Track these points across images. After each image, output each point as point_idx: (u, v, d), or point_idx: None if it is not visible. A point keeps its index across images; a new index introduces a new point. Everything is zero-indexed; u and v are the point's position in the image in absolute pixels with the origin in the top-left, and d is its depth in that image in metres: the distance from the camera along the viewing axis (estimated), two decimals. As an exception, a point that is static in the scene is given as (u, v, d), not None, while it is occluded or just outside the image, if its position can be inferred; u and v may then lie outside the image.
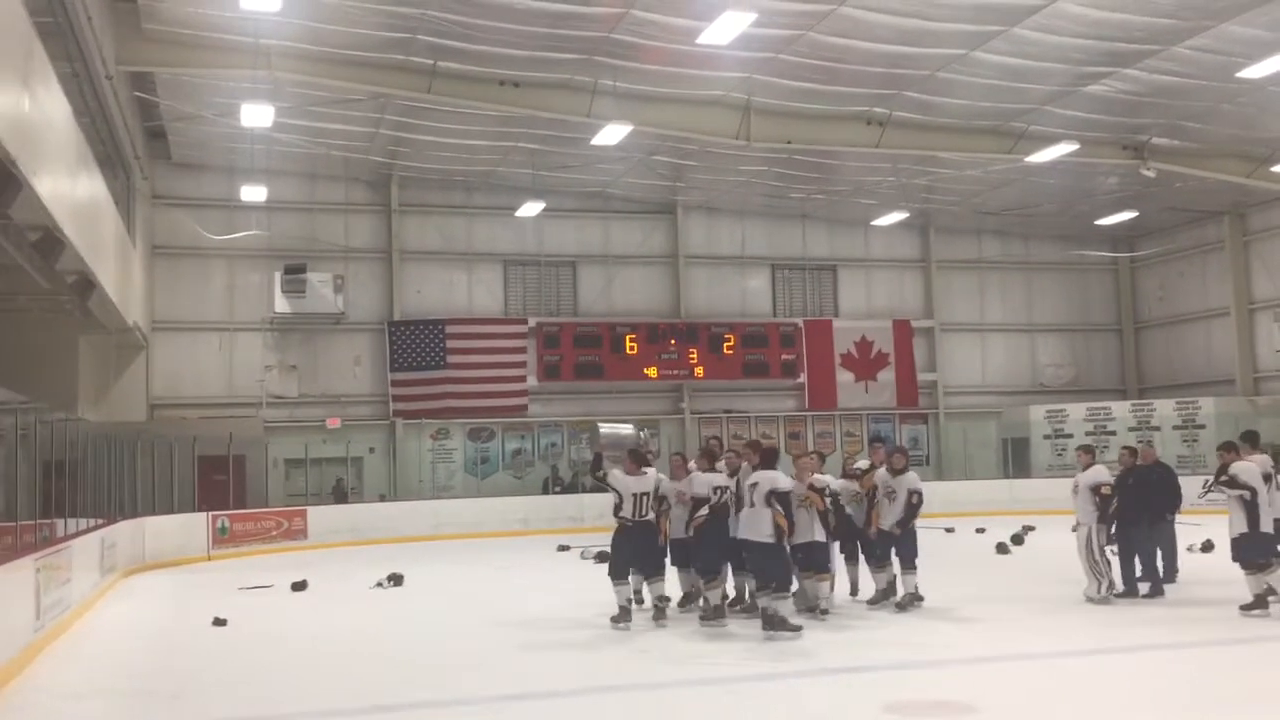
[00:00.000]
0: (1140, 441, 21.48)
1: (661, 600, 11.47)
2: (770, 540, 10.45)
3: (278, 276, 25.57)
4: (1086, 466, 12.29)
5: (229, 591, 15.63)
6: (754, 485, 10.56)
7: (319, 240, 26.60)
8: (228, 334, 26.17)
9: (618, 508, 11.36)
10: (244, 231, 25.38)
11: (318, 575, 16.63)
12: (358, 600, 14.63)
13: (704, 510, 11.07)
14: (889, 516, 11.78)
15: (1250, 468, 11.15)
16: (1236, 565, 11.09)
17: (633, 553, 11.39)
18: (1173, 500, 13.14)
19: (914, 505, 11.77)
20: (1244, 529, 10.95)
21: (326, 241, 26.69)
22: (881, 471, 12.03)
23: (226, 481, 23.09)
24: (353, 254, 27.11)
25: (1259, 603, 10.86)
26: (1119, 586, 12.10)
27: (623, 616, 11.16)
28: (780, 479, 10.64)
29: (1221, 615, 11.06)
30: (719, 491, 11.10)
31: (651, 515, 11.34)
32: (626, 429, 13.39)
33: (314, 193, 26.93)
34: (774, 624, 10.31)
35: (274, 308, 25.76)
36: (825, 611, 11.32)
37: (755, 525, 10.48)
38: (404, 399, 27.04)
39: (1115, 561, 12.20)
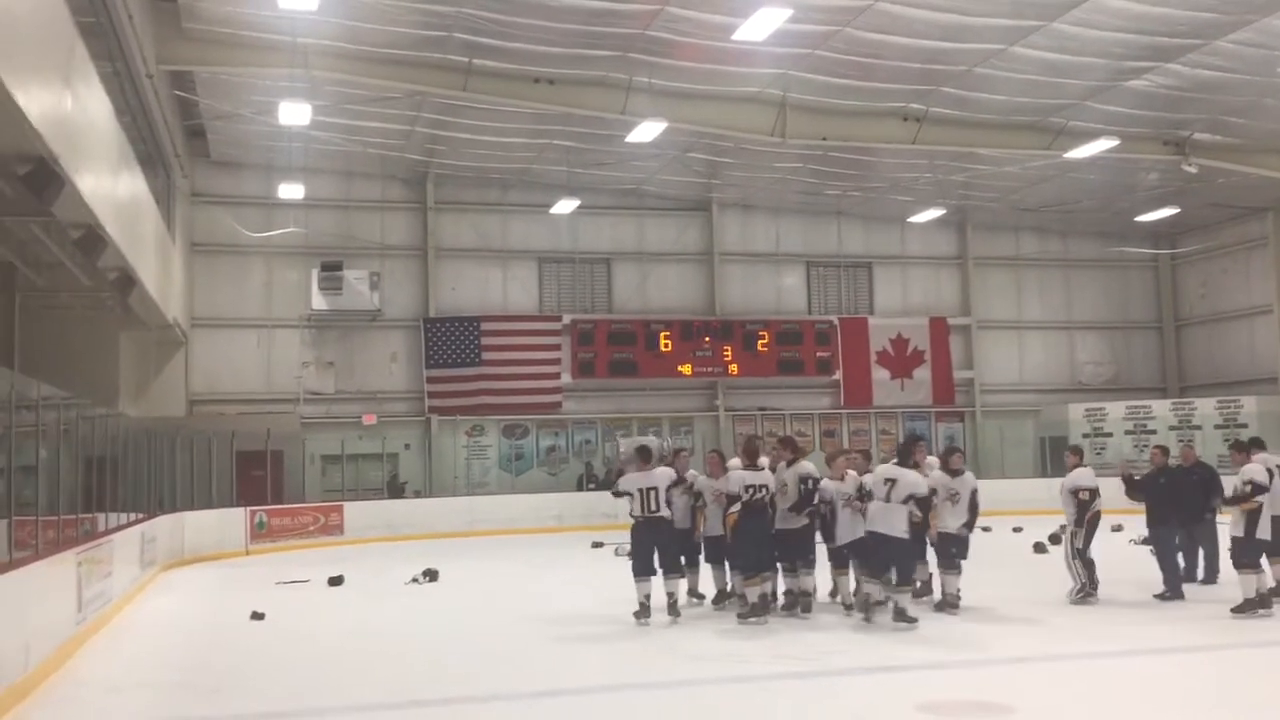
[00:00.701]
0: (1180, 441, 21.26)
1: (672, 597, 11.56)
2: (904, 536, 10.68)
3: (315, 274, 25.76)
4: (1072, 468, 12.21)
5: (266, 586, 15.79)
6: (892, 483, 10.77)
7: (355, 238, 26.77)
8: (266, 331, 26.39)
9: (630, 507, 11.49)
10: (282, 229, 25.58)
11: (354, 571, 16.76)
12: (393, 596, 14.72)
13: (735, 507, 11.07)
14: (951, 519, 11.62)
15: (1257, 468, 11.16)
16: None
17: (646, 548, 11.40)
18: (1209, 500, 12.93)
19: (978, 505, 11.74)
20: (1240, 532, 10.95)
21: (363, 239, 26.86)
22: (938, 473, 11.84)
23: (264, 477, 23.27)
24: (389, 251, 27.27)
25: (1256, 603, 10.77)
26: (1091, 590, 11.94)
27: (642, 612, 11.23)
28: (921, 483, 10.87)
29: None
30: (752, 490, 11.07)
31: (665, 511, 11.35)
32: (648, 441, 13.51)
33: (350, 190, 27.11)
34: (901, 616, 10.56)
35: (311, 305, 25.95)
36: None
37: (889, 520, 10.69)
38: (439, 395, 27.17)
39: (1089, 565, 12.01)
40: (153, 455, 18.02)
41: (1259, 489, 10.93)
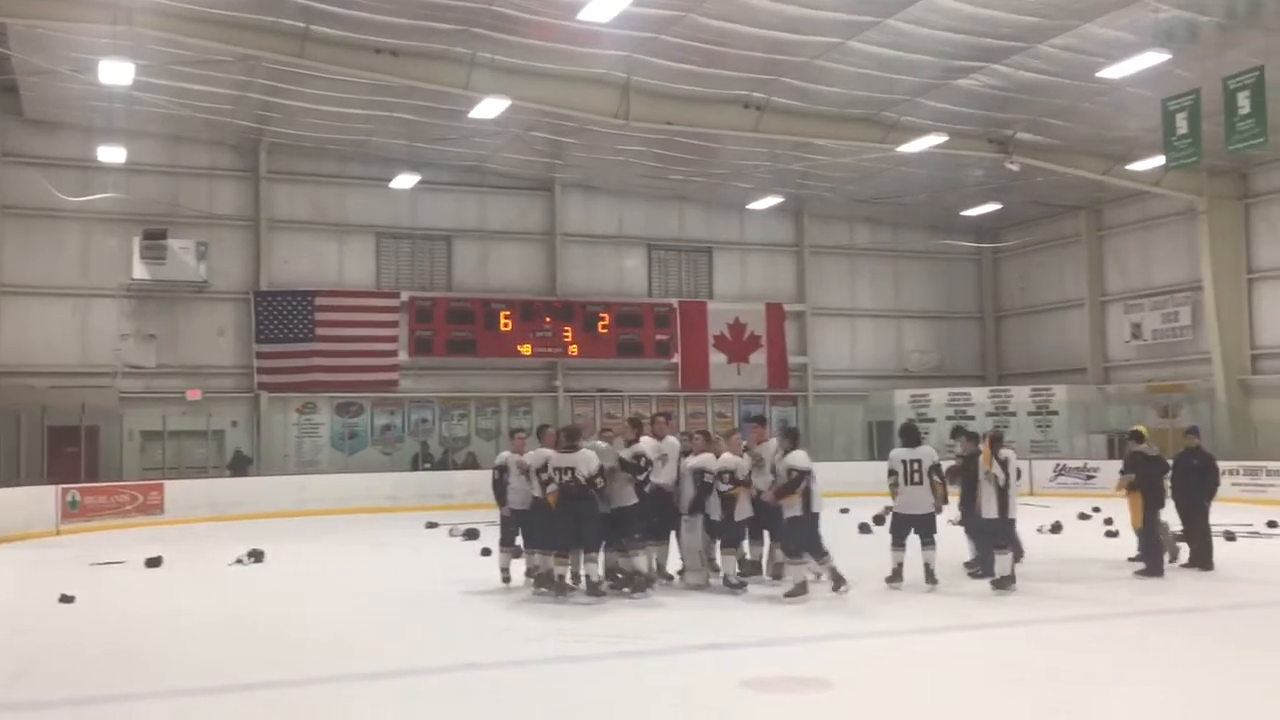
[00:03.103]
0: (999, 426, 22.29)
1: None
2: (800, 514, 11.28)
3: (136, 242, 24.62)
4: (693, 453, 12.59)
5: (79, 568, 15.06)
6: (917, 462, 11.67)
7: (182, 205, 25.66)
8: (82, 300, 25.11)
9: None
10: (101, 194, 24.30)
11: (174, 552, 16.17)
12: (216, 577, 14.22)
13: (551, 488, 11.33)
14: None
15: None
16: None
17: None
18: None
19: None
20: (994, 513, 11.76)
21: (189, 207, 25.77)
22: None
23: (78, 453, 22.20)
24: (217, 221, 26.25)
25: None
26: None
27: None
28: (933, 454, 11.79)
29: (1067, 593, 11.56)
30: (560, 472, 11.28)
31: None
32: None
33: (177, 156, 25.97)
34: (931, 577, 11.61)
35: (132, 274, 24.81)
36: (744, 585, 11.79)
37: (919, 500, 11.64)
38: (269, 371, 26.34)
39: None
40: (-47, 429, 16.95)
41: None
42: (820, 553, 11.51)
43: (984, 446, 12.03)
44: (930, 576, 11.72)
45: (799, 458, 11.39)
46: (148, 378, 25.48)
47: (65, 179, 24.51)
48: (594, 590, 11.35)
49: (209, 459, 25.51)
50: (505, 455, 12.27)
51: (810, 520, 11.36)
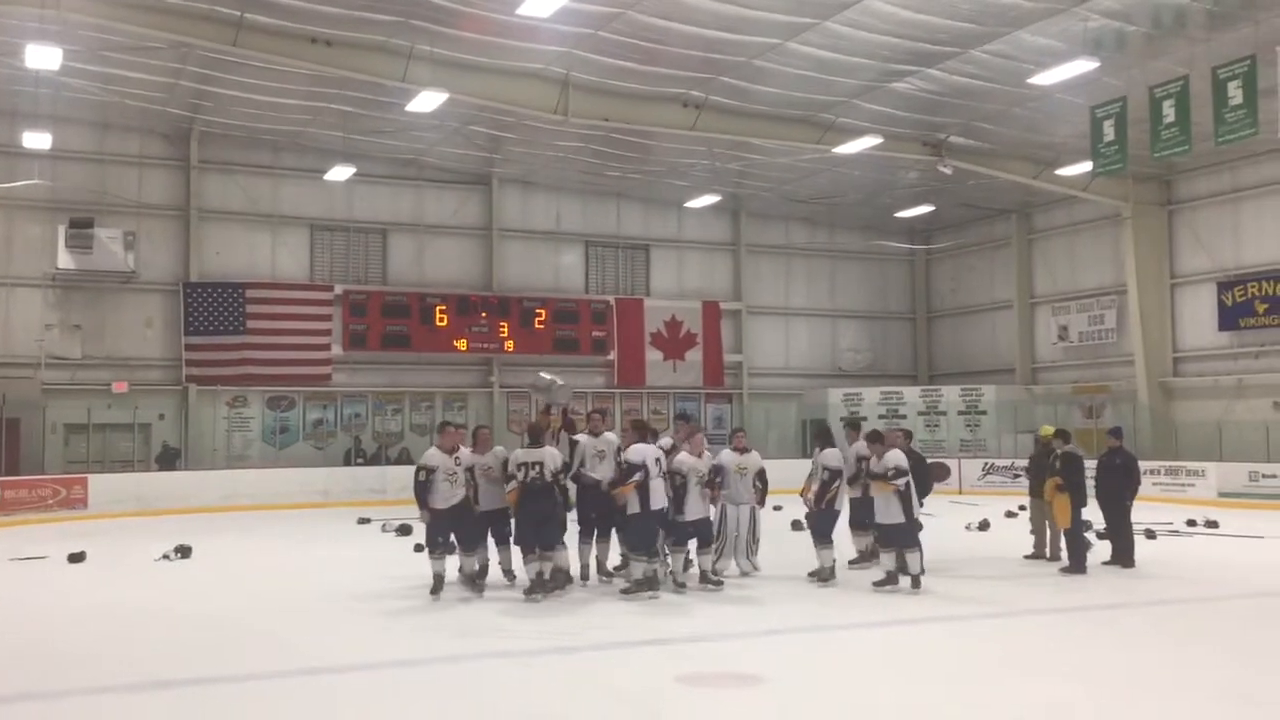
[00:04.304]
0: (927, 426, 22.63)
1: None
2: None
3: (61, 230, 24.04)
4: (742, 451, 12.67)
5: (-3, 563, 14.70)
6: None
7: (109, 194, 25.12)
8: (3, 289, 24.47)
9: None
10: (25, 180, 23.68)
11: (98, 547, 15.83)
12: (140, 573, 13.97)
13: (511, 485, 11.26)
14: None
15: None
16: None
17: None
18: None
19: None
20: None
21: (117, 196, 25.24)
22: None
23: (-1, 446, 21.66)
24: (146, 210, 25.74)
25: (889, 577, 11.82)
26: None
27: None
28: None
29: (992, 590, 11.77)
30: (525, 468, 11.16)
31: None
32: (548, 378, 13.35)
33: (105, 143, 25.40)
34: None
35: (57, 263, 24.21)
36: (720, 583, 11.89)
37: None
38: (199, 364, 25.89)
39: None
40: None
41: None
42: (652, 553, 11.42)
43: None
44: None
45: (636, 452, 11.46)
46: (72, 369, 24.90)
47: (-13, 165, 23.90)
48: (541, 588, 11.14)
49: (135, 453, 25.00)
50: (434, 455, 11.55)
51: (649, 518, 11.39)
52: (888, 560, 11.87)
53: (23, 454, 22.95)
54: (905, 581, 11.64)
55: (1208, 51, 18.23)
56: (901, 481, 11.69)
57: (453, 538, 11.71)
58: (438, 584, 11.46)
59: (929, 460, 13.96)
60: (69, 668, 8.55)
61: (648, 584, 11.26)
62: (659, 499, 11.37)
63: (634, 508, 11.30)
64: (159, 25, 18.71)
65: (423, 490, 11.39)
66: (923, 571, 11.72)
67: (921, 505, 12.44)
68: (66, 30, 18.32)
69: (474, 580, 11.69)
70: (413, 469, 11.95)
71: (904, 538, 11.72)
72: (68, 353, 24.87)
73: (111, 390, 24.92)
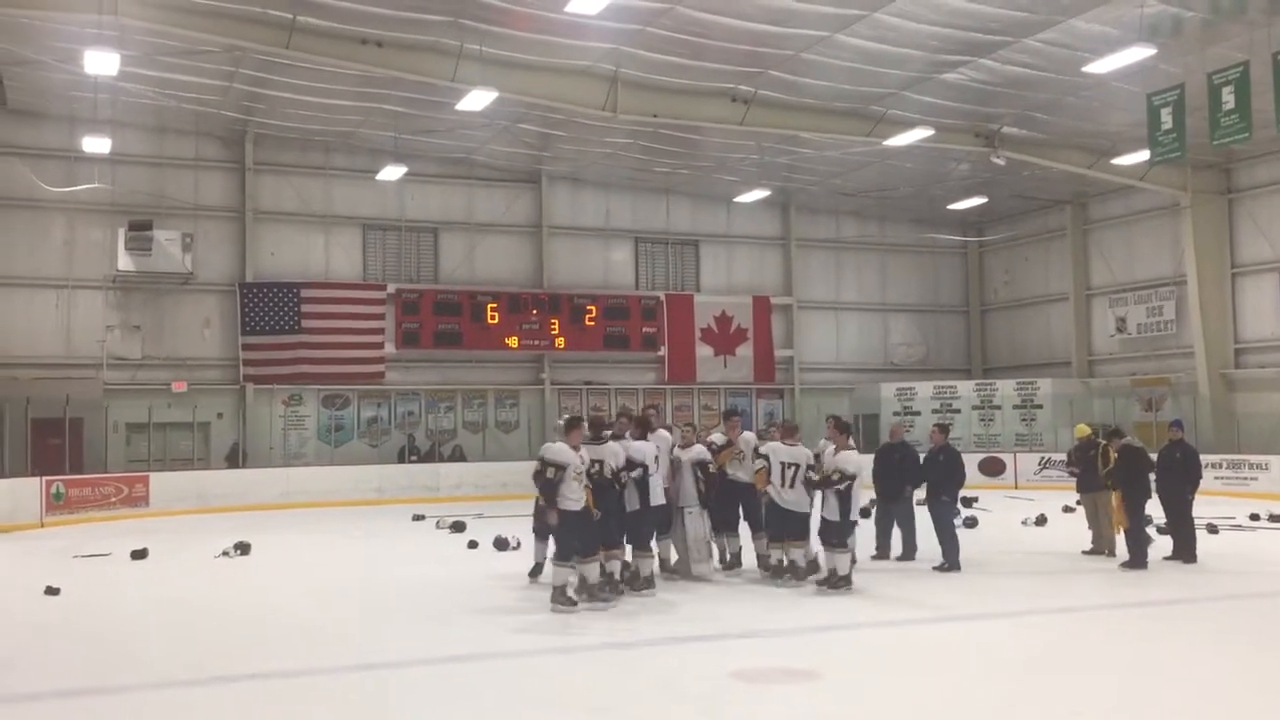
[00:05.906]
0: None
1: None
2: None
3: (121, 233, 24.46)
4: (688, 445, 12.34)
5: (63, 560, 15.02)
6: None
7: (167, 197, 25.54)
8: (66, 291, 24.94)
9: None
10: (86, 184, 24.13)
11: (160, 544, 16.09)
12: (201, 569, 14.20)
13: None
14: (790, 492, 11.86)
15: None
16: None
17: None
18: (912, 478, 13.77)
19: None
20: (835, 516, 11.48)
21: (175, 198, 25.65)
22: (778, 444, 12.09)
23: (62, 445, 22.09)
24: (203, 212, 26.12)
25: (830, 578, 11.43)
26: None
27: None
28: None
29: (1051, 585, 11.61)
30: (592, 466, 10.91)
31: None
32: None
33: (162, 147, 25.81)
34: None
35: (117, 265, 24.65)
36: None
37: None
38: (255, 363, 26.25)
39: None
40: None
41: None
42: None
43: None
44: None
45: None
46: (132, 369, 25.36)
47: (49, 170, 24.35)
48: (611, 589, 10.82)
49: (194, 451, 25.41)
50: (563, 450, 10.50)
51: (649, 514, 11.35)
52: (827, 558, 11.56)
53: (86, 453, 23.37)
54: (820, 577, 11.50)
55: (1269, 37, 17.83)
56: (844, 485, 11.34)
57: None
58: (559, 595, 10.40)
59: (981, 456, 13.78)
60: (132, 663, 8.72)
61: (646, 582, 11.25)
62: (658, 496, 11.37)
63: (633, 505, 11.19)
64: (213, 29, 18.97)
65: (550, 489, 10.42)
66: (849, 572, 11.39)
67: (951, 500, 12.41)
68: (123, 35, 18.65)
69: (602, 589, 10.80)
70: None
71: (834, 536, 11.41)
72: (128, 353, 25.33)
73: (171, 390, 25.34)
